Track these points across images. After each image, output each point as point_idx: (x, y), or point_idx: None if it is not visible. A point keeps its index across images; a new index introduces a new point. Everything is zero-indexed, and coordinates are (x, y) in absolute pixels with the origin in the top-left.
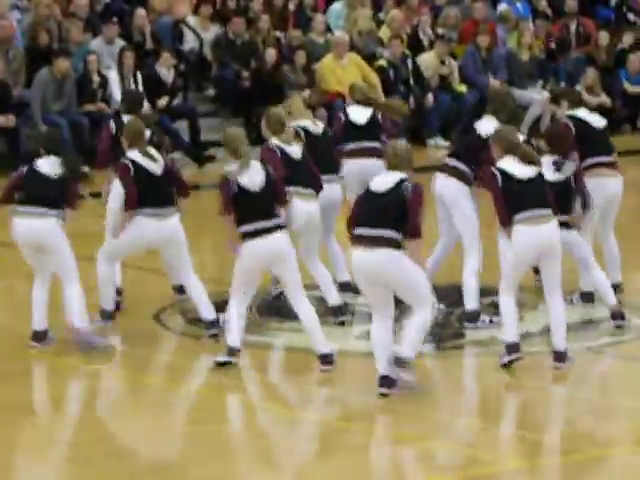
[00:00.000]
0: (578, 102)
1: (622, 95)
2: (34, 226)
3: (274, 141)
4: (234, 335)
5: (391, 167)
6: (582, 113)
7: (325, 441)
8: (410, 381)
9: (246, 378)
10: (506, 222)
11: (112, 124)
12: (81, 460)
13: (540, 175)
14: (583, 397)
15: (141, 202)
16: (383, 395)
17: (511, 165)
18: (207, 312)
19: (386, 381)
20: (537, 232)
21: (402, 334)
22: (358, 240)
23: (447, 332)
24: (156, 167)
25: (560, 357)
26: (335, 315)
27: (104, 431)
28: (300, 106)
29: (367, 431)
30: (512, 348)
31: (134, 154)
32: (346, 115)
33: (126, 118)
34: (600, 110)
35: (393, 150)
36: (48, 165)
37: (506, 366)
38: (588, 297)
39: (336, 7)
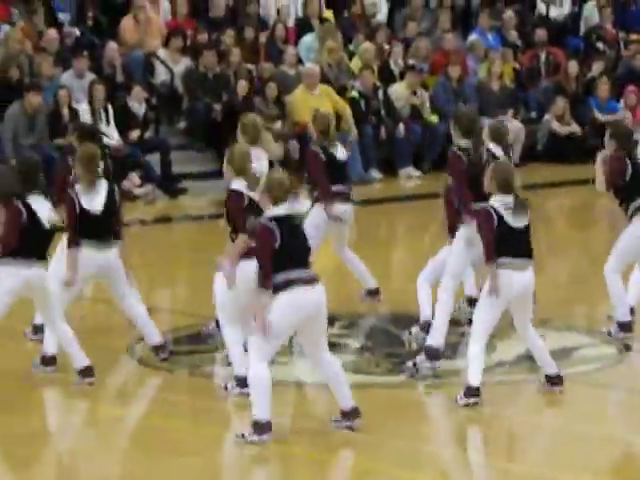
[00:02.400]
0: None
1: (592, 123)
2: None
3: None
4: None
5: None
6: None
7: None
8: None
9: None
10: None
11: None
12: None
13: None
14: (557, 425)
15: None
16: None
17: (504, 207)
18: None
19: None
20: (520, 277)
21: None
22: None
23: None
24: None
25: (557, 380)
26: None
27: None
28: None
29: (343, 463)
30: (473, 391)
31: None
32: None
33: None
34: (570, 138)
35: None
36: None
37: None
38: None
39: (307, 39)
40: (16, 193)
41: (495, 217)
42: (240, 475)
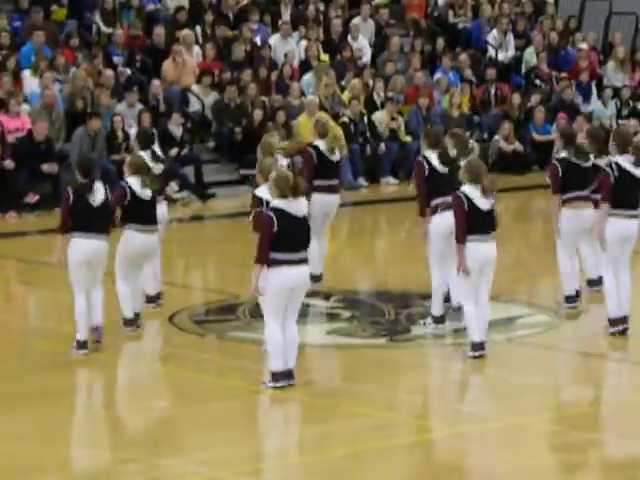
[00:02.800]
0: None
1: (531, 143)
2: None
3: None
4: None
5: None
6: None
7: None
8: None
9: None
10: (463, 240)
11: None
12: None
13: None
14: (504, 377)
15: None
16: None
17: (474, 193)
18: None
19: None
20: (485, 247)
21: None
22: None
23: (397, 328)
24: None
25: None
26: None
27: None
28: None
29: (333, 407)
30: (477, 346)
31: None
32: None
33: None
34: (514, 154)
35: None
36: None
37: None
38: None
39: (307, 77)
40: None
41: (466, 201)
42: (252, 416)
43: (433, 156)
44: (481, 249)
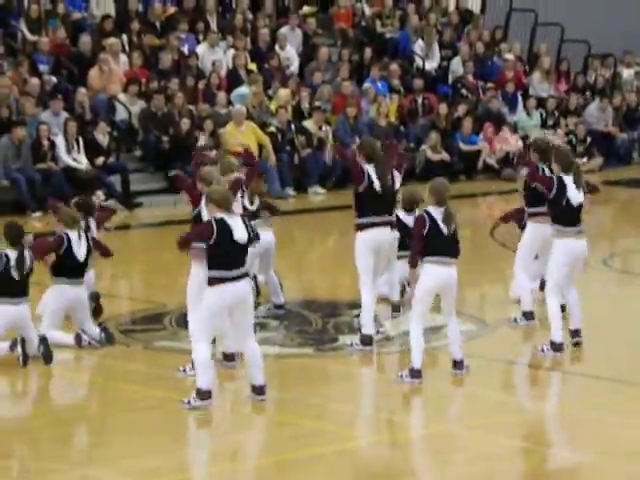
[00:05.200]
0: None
1: (458, 152)
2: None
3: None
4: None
5: None
6: None
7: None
8: None
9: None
10: (416, 263)
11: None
12: None
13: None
14: (430, 386)
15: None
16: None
17: (439, 216)
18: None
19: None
20: (445, 272)
21: None
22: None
23: (325, 337)
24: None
25: (459, 365)
26: None
27: None
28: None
29: (261, 416)
30: (416, 374)
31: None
32: None
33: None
34: (441, 164)
35: None
36: None
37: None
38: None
39: (242, 88)
40: None
41: (428, 223)
42: (179, 425)
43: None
44: (439, 272)
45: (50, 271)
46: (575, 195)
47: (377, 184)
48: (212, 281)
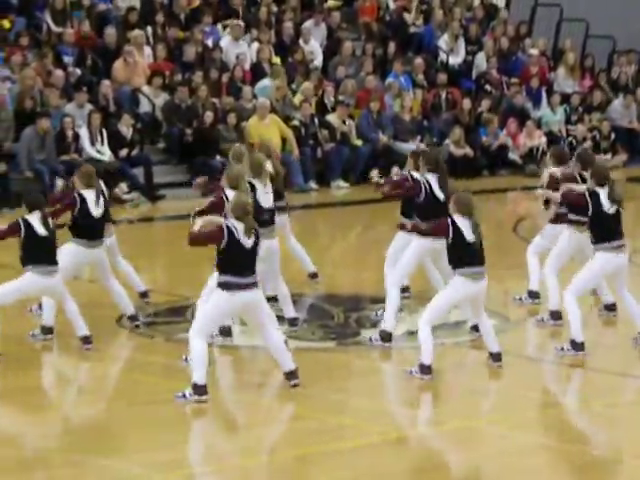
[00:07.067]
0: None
1: (481, 148)
2: None
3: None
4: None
5: None
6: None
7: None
8: None
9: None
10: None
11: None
12: None
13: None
14: (454, 380)
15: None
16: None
17: (465, 226)
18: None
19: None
20: (475, 288)
21: None
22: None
23: (346, 331)
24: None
25: (496, 357)
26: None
27: None
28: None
29: (280, 410)
30: (426, 370)
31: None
32: None
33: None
34: (465, 159)
35: None
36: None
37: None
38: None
39: (265, 81)
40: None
41: (452, 230)
42: (199, 418)
43: None
44: (470, 286)
45: (70, 232)
46: (607, 209)
47: (440, 195)
48: (224, 285)
